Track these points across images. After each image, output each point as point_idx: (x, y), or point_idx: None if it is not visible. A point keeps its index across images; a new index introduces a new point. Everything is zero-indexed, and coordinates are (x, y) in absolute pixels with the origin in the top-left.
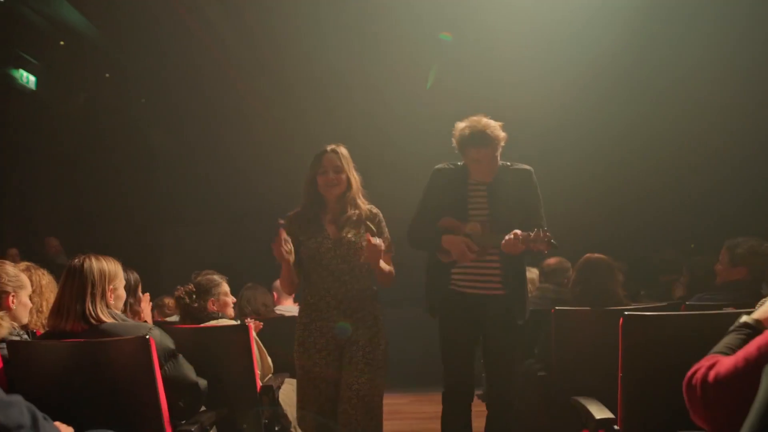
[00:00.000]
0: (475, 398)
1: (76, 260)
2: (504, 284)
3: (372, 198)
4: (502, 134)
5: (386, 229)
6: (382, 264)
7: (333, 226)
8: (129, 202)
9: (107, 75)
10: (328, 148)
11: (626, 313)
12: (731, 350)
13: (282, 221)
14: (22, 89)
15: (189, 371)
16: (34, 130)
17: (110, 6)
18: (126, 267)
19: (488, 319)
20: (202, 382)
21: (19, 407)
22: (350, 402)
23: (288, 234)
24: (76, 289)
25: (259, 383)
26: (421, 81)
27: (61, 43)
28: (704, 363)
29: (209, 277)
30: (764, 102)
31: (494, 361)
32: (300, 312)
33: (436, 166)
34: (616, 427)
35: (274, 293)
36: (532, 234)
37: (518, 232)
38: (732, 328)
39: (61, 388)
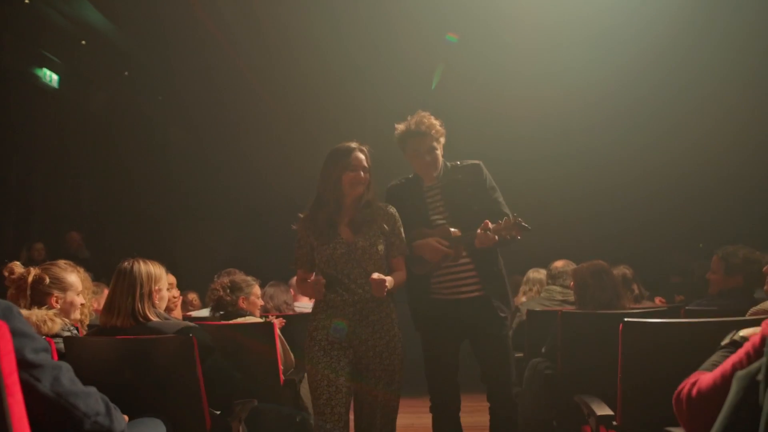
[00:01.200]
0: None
1: (126, 263)
2: (482, 284)
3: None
4: (439, 127)
5: (402, 230)
6: (390, 284)
7: (347, 229)
8: (146, 197)
9: (126, 73)
10: (353, 145)
11: (626, 319)
12: (715, 368)
13: (294, 227)
14: (46, 88)
15: (227, 366)
16: (56, 127)
17: (130, 7)
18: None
19: (471, 322)
20: (237, 376)
21: (95, 396)
22: (371, 406)
23: (300, 237)
24: (126, 288)
25: (282, 377)
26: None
27: (83, 42)
28: (690, 380)
29: (245, 277)
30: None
31: (488, 359)
32: (315, 308)
33: (389, 185)
34: (614, 423)
35: (291, 290)
36: (501, 222)
37: (488, 223)
38: (722, 344)
39: (112, 380)
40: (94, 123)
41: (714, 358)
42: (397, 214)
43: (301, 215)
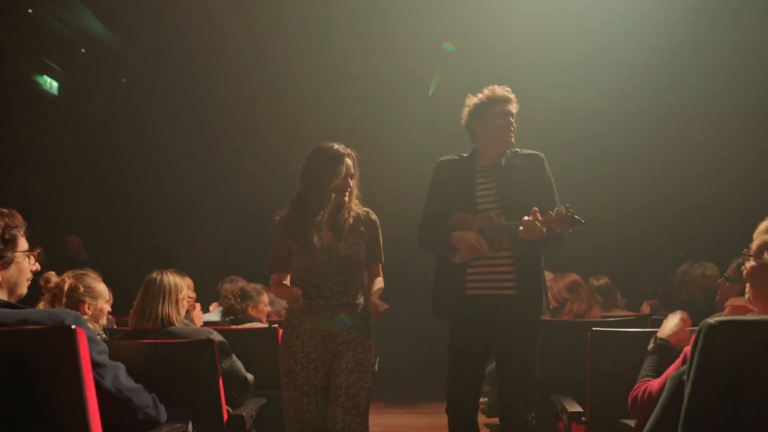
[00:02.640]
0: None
1: (155, 274)
2: (517, 283)
3: (379, 199)
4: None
5: (381, 236)
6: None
7: (330, 234)
8: (141, 201)
9: (123, 80)
10: (342, 150)
11: (593, 329)
12: (655, 371)
13: (270, 228)
14: (46, 95)
15: (241, 368)
16: (56, 133)
17: (128, 15)
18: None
19: (502, 323)
20: (250, 377)
21: (145, 392)
22: (338, 401)
23: (277, 239)
24: (155, 296)
25: (281, 365)
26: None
27: (83, 50)
28: (641, 387)
29: (254, 286)
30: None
31: (508, 368)
32: (288, 314)
33: (440, 159)
34: (583, 418)
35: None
36: (552, 212)
37: (537, 211)
38: (649, 350)
39: (142, 378)
40: (92, 128)
41: (648, 363)
42: (377, 221)
43: (278, 217)
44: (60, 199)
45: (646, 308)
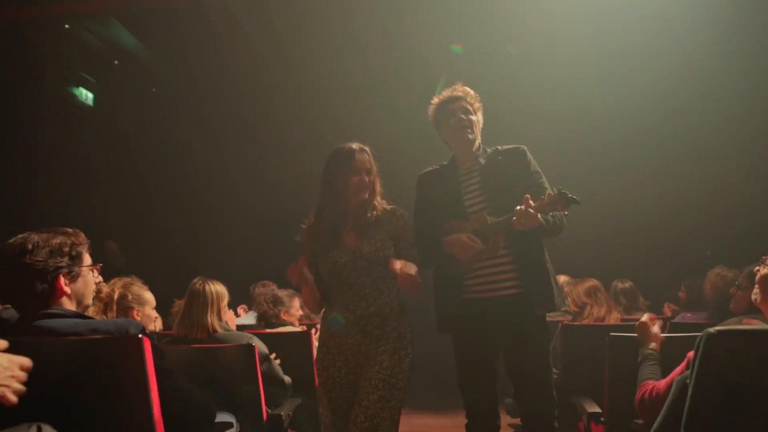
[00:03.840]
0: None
1: (198, 284)
2: (521, 281)
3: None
4: (475, 95)
5: (411, 233)
6: (413, 270)
7: (352, 235)
8: (170, 206)
9: (154, 90)
10: (355, 146)
11: (611, 334)
12: (656, 375)
13: (298, 238)
14: (82, 106)
15: (279, 370)
16: (91, 143)
17: (158, 28)
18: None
19: (508, 323)
20: (287, 379)
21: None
22: (356, 421)
23: (305, 248)
24: (199, 305)
25: (317, 379)
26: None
27: (116, 62)
28: (647, 388)
29: (287, 292)
30: None
31: (519, 371)
32: (320, 327)
33: (421, 172)
34: (602, 419)
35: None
36: (544, 197)
37: (529, 198)
38: (640, 360)
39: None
40: (124, 137)
41: (645, 369)
42: (406, 217)
43: (304, 225)
44: (95, 205)
45: (667, 311)
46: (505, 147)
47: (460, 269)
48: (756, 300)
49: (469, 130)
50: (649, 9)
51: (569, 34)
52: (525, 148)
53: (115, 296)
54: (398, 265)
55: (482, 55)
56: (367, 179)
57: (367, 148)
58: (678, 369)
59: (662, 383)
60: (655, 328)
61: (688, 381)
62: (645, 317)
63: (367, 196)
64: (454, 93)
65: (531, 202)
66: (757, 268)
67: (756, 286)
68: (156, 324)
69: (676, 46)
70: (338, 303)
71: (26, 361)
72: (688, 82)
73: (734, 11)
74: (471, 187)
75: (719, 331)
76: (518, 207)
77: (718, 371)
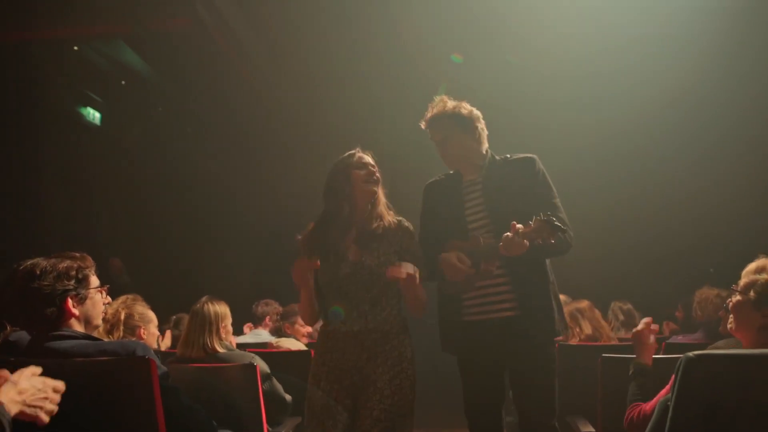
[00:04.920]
0: None
1: (199, 304)
2: (519, 303)
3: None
4: (454, 110)
5: (417, 246)
6: (414, 271)
7: (355, 246)
8: (176, 225)
9: (160, 109)
10: (357, 156)
11: (603, 355)
12: (642, 395)
13: (299, 237)
14: (89, 125)
15: (280, 389)
16: (98, 162)
17: (164, 49)
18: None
19: (507, 347)
20: (288, 397)
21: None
22: None
23: (303, 255)
24: (199, 326)
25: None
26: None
27: (122, 82)
28: (635, 409)
29: (293, 306)
30: None
31: (521, 399)
32: (317, 341)
33: (427, 182)
34: None
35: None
36: (531, 222)
37: (515, 224)
38: (631, 374)
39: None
40: (130, 155)
41: (633, 389)
42: (412, 230)
43: (299, 237)
44: (102, 223)
45: (666, 330)
46: (516, 156)
47: (455, 289)
48: (731, 329)
49: (450, 159)
50: (649, 24)
51: (568, 47)
52: (535, 157)
53: (122, 317)
54: (395, 270)
55: (481, 66)
56: (375, 172)
57: (368, 159)
58: (663, 391)
59: (649, 405)
60: (651, 338)
61: (669, 403)
62: (641, 325)
63: (375, 191)
64: (426, 117)
65: (519, 227)
66: (730, 299)
67: (730, 314)
68: (165, 340)
69: (673, 65)
70: (336, 317)
71: (60, 385)
72: (689, 99)
73: (736, 24)
74: (473, 201)
75: (698, 355)
76: (506, 234)
77: (697, 394)
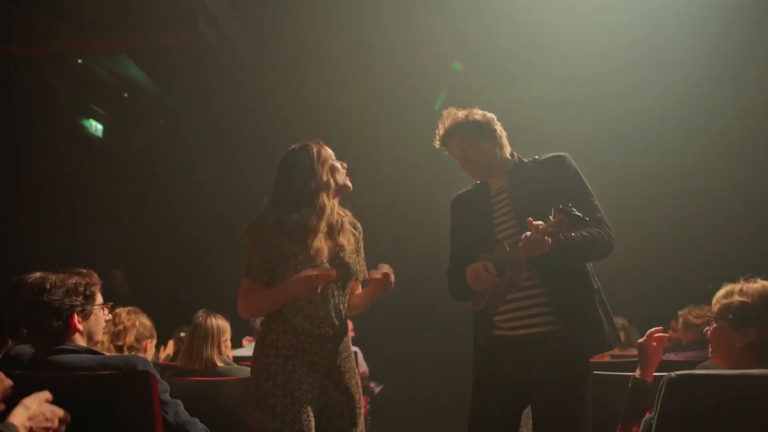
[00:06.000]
0: None
1: (200, 317)
2: (559, 315)
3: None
4: (466, 119)
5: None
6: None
7: (321, 242)
8: (177, 233)
9: (161, 121)
10: (313, 142)
11: (594, 372)
12: (634, 414)
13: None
14: (92, 137)
15: None
16: (100, 173)
17: (166, 63)
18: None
19: (538, 367)
20: None
21: (200, 425)
22: None
23: (263, 240)
24: (200, 339)
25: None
26: None
27: (125, 95)
28: (624, 430)
29: None
30: None
31: (545, 426)
32: (280, 341)
33: (453, 196)
34: None
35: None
36: (551, 217)
37: (531, 221)
38: (629, 392)
39: (190, 413)
40: (132, 167)
41: (626, 406)
42: (360, 228)
43: (251, 224)
44: (104, 234)
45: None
46: (544, 156)
47: (483, 304)
48: (711, 356)
49: (472, 169)
50: (649, 27)
51: (569, 51)
52: (565, 155)
53: (126, 330)
54: (379, 273)
55: (482, 73)
56: (339, 179)
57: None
58: (648, 412)
59: (636, 427)
60: (655, 344)
61: (653, 421)
62: (647, 334)
63: (348, 185)
64: (439, 133)
65: (537, 223)
66: (707, 328)
67: (710, 341)
68: (168, 349)
69: (672, 69)
70: (310, 313)
71: (67, 417)
72: (690, 107)
73: (737, 24)
74: (502, 209)
75: (679, 376)
76: (524, 234)
77: (679, 415)
